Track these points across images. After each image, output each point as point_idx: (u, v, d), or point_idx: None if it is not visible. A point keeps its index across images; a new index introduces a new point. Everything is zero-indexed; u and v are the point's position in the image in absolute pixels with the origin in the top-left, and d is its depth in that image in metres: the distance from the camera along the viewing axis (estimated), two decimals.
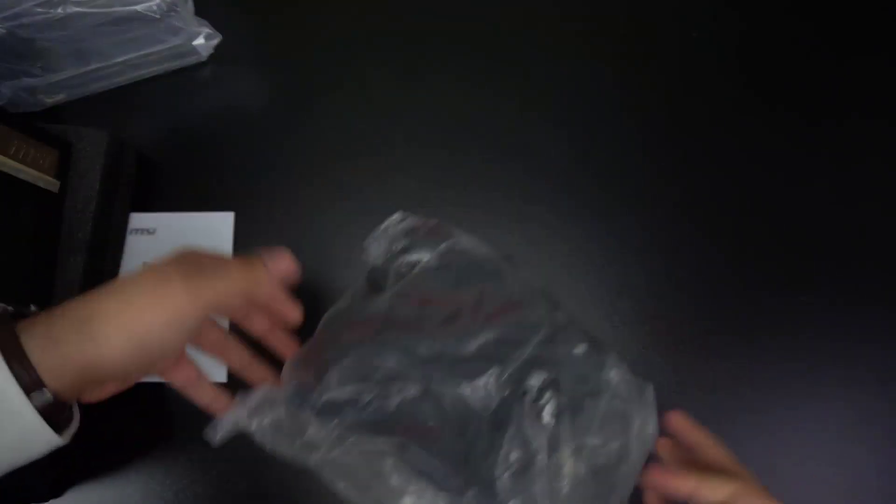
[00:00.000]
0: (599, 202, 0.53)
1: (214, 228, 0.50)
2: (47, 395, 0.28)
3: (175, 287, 0.31)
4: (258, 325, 0.37)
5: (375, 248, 0.43)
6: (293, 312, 0.37)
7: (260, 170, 0.53)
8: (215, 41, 0.53)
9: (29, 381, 0.27)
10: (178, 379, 0.35)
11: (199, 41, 0.52)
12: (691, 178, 0.54)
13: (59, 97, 0.52)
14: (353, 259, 0.51)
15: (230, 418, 0.35)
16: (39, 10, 0.45)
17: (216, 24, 0.52)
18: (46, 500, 0.44)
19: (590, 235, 0.52)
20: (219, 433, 0.36)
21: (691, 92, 0.56)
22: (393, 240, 0.43)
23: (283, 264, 0.35)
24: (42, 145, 0.44)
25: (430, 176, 0.53)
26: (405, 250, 0.42)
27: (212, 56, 0.54)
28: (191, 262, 0.32)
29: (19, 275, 0.42)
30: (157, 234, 0.50)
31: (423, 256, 0.42)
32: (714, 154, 0.55)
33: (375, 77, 0.56)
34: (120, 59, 0.51)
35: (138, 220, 0.50)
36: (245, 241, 0.51)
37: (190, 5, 0.50)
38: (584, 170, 0.54)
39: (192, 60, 0.54)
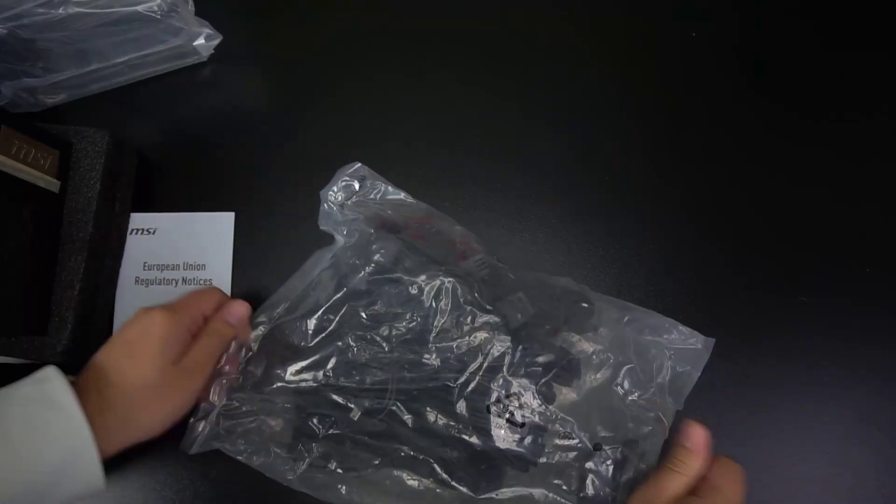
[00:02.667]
0: (599, 202, 0.53)
1: (214, 228, 0.50)
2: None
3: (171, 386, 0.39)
4: None
5: (332, 197, 0.48)
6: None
7: (260, 170, 0.53)
8: (215, 41, 0.53)
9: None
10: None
11: (200, 41, 0.52)
12: (691, 178, 0.54)
13: (60, 97, 0.52)
14: None
15: (200, 432, 0.42)
16: (40, 10, 0.45)
17: (216, 25, 0.52)
18: None
19: (590, 235, 0.52)
20: (192, 447, 0.42)
21: (691, 92, 0.56)
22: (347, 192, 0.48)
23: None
24: (42, 145, 0.44)
25: (430, 175, 0.53)
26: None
27: (212, 56, 0.54)
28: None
29: (20, 275, 0.43)
30: (157, 234, 0.50)
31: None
32: (714, 154, 0.55)
33: (375, 77, 0.56)
34: (120, 60, 0.51)
35: (138, 220, 0.50)
36: (245, 241, 0.51)
37: (190, 5, 0.50)
38: (584, 170, 0.54)
39: (192, 60, 0.54)
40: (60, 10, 0.45)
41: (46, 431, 0.33)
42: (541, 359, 0.43)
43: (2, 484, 0.32)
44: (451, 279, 0.43)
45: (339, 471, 0.42)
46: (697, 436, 0.38)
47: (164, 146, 0.53)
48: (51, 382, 0.34)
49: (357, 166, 0.48)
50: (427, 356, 0.43)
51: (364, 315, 0.44)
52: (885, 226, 0.53)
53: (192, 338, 0.41)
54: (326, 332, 0.44)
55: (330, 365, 0.43)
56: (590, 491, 0.42)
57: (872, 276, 0.52)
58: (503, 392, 0.42)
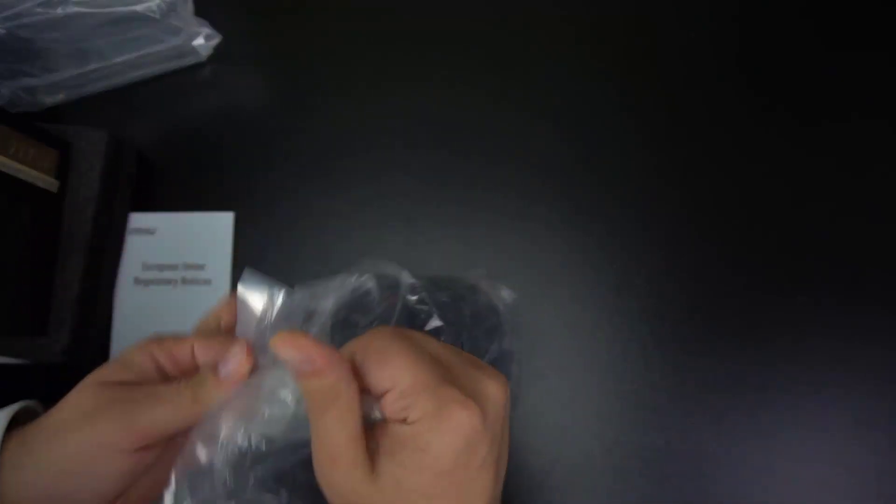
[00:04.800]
0: (599, 202, 0.53)
1: (214, 228, 0.50)
2: None
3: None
4: None
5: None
6: None
7: (260, 170, 0.53)
8: (215, 41, 0.53)
9: None
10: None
11: (199, 41, 0.52)
12: (691, 178, 0.54)
13: (59, 97, 0.52)
14: (354, 259, 0.51)
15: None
16: (39, 10, 0.45)
17: (216, 24, 0.52)
18: None
19: (590, 235, 0.52)
20: None
21: (691, 92, 0.56)
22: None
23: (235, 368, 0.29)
24: (41, 145, 0.44)
25: (430, 175, 0.53)
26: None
27: (212, 56, 0.54)
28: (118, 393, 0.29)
29: (18, 275, 0.42)
30: (157, 234, 0.50)
31: None
32: (714, 154, 0.55)
33: (376, 77, 0.56)
34: (119, 60, 0.51)
35: (138, 220, 0.50)
36: (245, 241, 0.51)
37: (190, 5, 0.50)
38: (585, 170, 0.54)
39: (191, 60, 0.54)
40: (59, 10, 0.45)
41: None
42: None
43: None
44: None
45: None
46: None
47: (163, 146, 0.53)
48: None
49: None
50: None
51: None
52: (885, 226, 0.53)
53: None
54: None
55: None
56: None
57: (872, 276, 0.52)
58: None
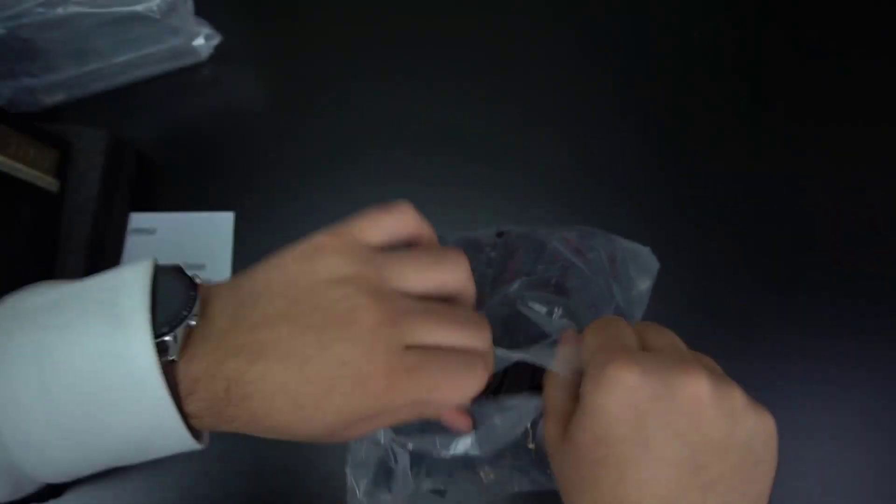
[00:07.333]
0: (599, 203, 0.53)
1: (214, 228, 0.50)
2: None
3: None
4: None
5: None
6: None
7: (260, 170, 0.53)
8: (215, 41, 0.53)
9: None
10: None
11: (199, 41, 0.52)
12: (691, 178, 0.54)
13: (59, 97, 0.52)
14: None
15: None
16: (39, 9, 0.45)
17: (216, 24, 0.52)
18: (46, 501, 0.44)
19: None
20: None
21: (691, 93, 0.56)
22: None
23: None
24: (42, 145, 0.44)
25: (430, 177, 0.53)
26: None
27: (212, 56, 0.54)
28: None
29: (18, 276, 0.42)
30: (157, 234, 0.50)
31: None
32: (714, 155, 0.55)
33: (376, 78, 0.56)
34: (120, 59, 0.51)
35: (138, 220, 0.50)
36: (245, 241, 0.50)
37: (190, 5, 0.50)
38: (585, 171, 0.54)
39: (191, 60, 0.54)
40: (60, 10, 0.45)
41: (123, 406, 0.24)
42: None
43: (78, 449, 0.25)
44: None
45: None
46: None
47: (163, 146, 0.53)
48: (127, 331, 0.24)
49: None
50: None
51: None
52: (885, 226, 0.53)
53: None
54: None
55: None
56: None
57: (872, 276, 0.52)
58: None
